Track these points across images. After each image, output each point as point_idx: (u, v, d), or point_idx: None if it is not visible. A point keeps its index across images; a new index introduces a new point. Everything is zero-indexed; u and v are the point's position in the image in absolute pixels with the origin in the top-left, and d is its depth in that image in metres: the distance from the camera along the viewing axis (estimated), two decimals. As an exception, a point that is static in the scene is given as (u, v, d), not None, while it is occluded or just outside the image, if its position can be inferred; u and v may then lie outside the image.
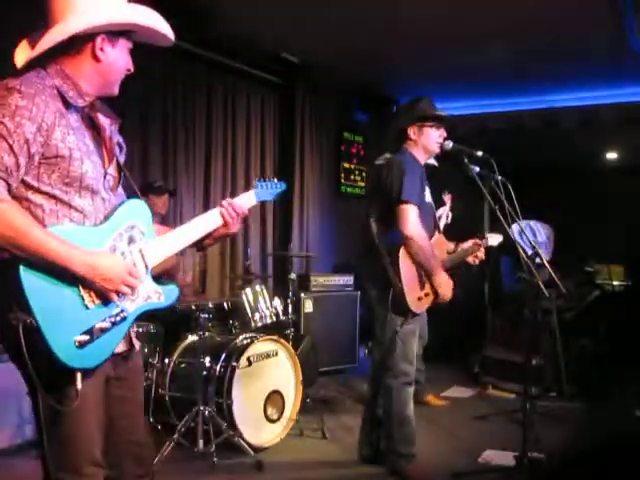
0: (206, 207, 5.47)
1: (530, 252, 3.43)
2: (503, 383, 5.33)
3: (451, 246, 3.61)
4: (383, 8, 4.93)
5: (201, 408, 3.48)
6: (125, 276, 1.68)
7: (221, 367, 3.64)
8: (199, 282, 5.58)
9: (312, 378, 4.66)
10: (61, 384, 1.63)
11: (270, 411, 3.79)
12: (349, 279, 6.20)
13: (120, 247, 1.74)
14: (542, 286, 3.19)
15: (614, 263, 6.87)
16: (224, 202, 2.03)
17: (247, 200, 2.15)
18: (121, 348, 1.80)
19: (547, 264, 3.27)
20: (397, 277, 3.16)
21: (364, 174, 7.64)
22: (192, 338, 3.93)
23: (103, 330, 1.65)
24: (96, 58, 1.72)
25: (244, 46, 5.69)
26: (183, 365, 3.82)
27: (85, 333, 1.61)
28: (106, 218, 1.73)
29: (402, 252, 3.20)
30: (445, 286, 3.31)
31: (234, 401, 3.53)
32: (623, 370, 5.19)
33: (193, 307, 3.88)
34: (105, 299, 1.67)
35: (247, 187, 2.35)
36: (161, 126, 5.27)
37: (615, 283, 6.40)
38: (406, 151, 3.38)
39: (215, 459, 3.40)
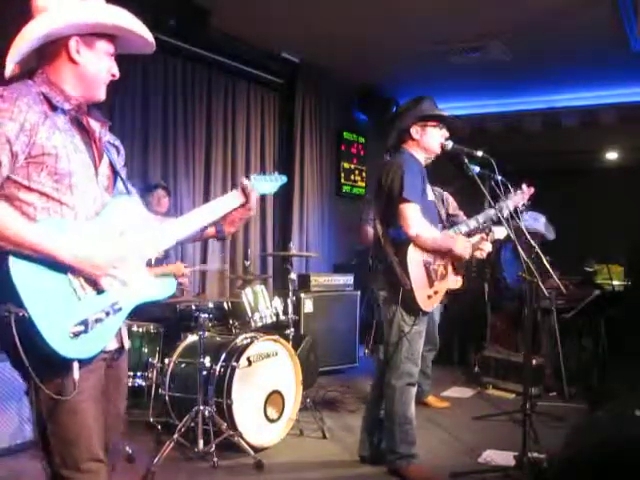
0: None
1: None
2: (503, 383, 5.33)
3: None
4: (383, 8, 4.93)
5: (201, 408, 3.47)
6: (113, 262, 1.71)
7: (221, 367, 3.64)
8: (199, 282, 5.59)
9: (312, 378, 4.66)
10: (58, 376, 1.63)
11: (270, 411, 3.78)
12: (349, 279, 6.20)
13: (111, 239, 1.75)
14: (542, 286, 3.20)
15: (614, 263, 6.86)
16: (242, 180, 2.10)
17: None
18: (113, 345, 1.80)
19: (547, 264, 3.28)
20: (405, 275, 3.17)
21: (364, 174, 7.64)
22: (192, 338, 3.93)
23: (97, 321, 1.65)
24: (73, 61, 1.74)
25: (244, 46, 5.69)
26: (183, 365, 3.81)
27: (80, 324, 1.61)
28: (97, 214, 1.76)
29: (410, 250, 3.19)
30: (465, 249, 3.30)
31: (234, 401, 3.53)
32: (623, 370, 5.18)
33: (193, 307, 3.88)
34: (96, 288, 1.68)
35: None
36: (161, 126, 5.27)
37: (615, 283, 6.39)
38: (405, 151, 3.37)
39: (215, 459, 3.39)
